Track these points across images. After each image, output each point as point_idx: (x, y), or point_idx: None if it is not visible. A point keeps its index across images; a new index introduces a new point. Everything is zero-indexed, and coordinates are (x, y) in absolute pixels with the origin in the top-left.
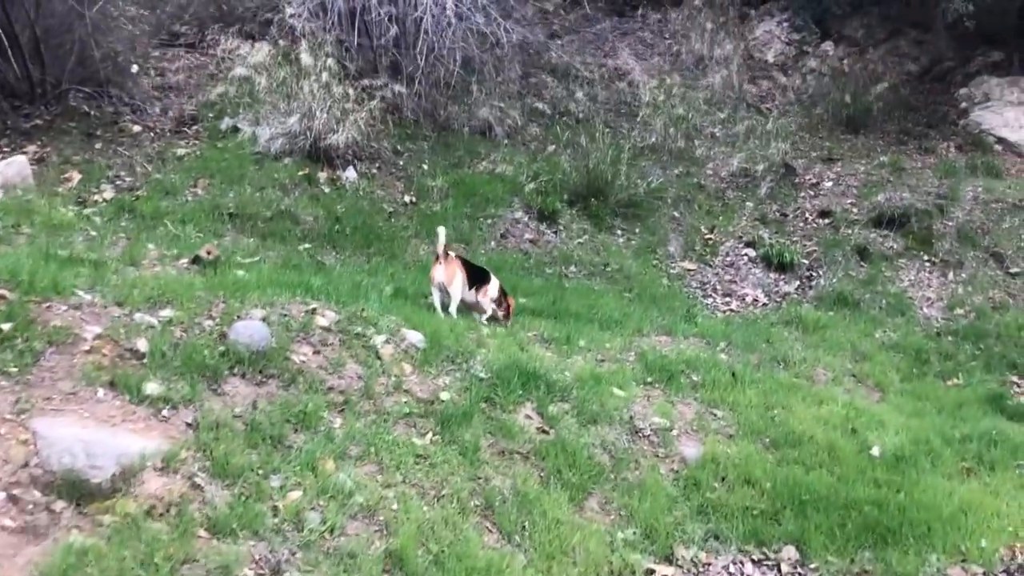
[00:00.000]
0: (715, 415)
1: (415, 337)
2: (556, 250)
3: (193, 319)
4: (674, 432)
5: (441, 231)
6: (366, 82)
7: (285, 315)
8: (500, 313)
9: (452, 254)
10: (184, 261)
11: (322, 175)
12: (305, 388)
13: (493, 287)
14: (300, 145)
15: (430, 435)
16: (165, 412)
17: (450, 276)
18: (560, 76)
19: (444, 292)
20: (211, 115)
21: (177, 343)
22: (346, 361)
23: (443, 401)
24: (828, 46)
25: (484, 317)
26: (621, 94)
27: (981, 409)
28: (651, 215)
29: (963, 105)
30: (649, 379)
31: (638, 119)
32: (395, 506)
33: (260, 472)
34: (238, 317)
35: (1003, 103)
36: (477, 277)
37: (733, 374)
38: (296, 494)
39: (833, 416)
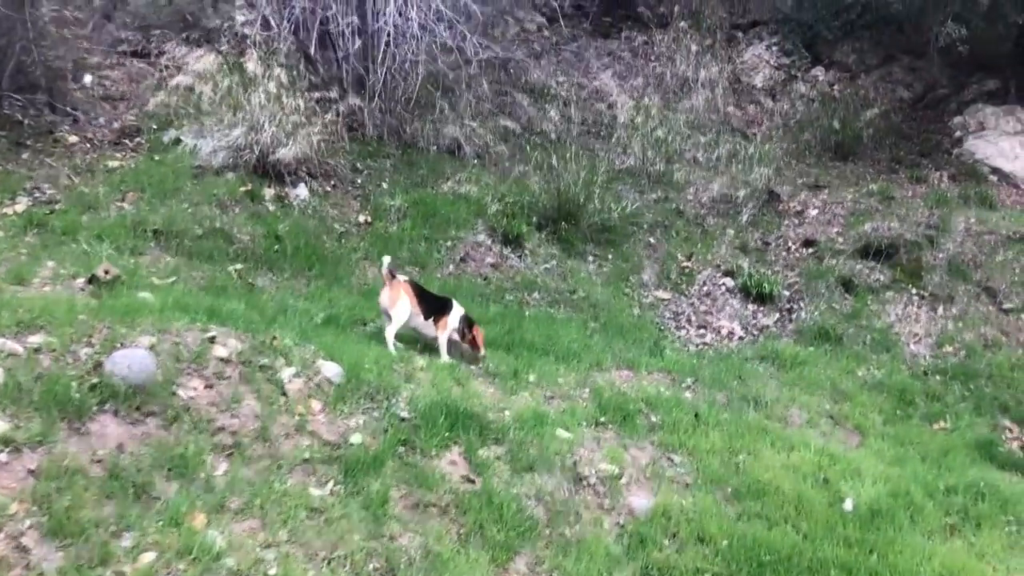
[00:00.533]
0: (672, 461)
1: (332, 370)
2: (519, 276)
3: (68, 346)
4: (623, 480)
5: (386, 259)
6: (321, 95)
7: (178, 343)
8: (464, 347)
9: (402, 278)
10: (80, 281)
11: (268, 192)
12: (189, 428)
13: (454, 317)
14: (245, 159)
15: (331, 484)
16: (3, 456)
17: (392, 299)
18: (536, 96)
19: (388, 317)
20: (155, 127)
21: (41, 374)
22: (243, 397)
23: (352, 445)
24: (818, 71)
25: (443, 353)
26: (599, 115)
27: (969, 456)
28: (625, 241)
29: (957, 134)
30: (602, 419)
31: (614, 140)
32: (273, 571)
33: (111, 529)
34: (120, 345)
35: (998, 132)
36: (435, 306)
37: (696, 415)
38: (149, 556)
39: (804, 463)
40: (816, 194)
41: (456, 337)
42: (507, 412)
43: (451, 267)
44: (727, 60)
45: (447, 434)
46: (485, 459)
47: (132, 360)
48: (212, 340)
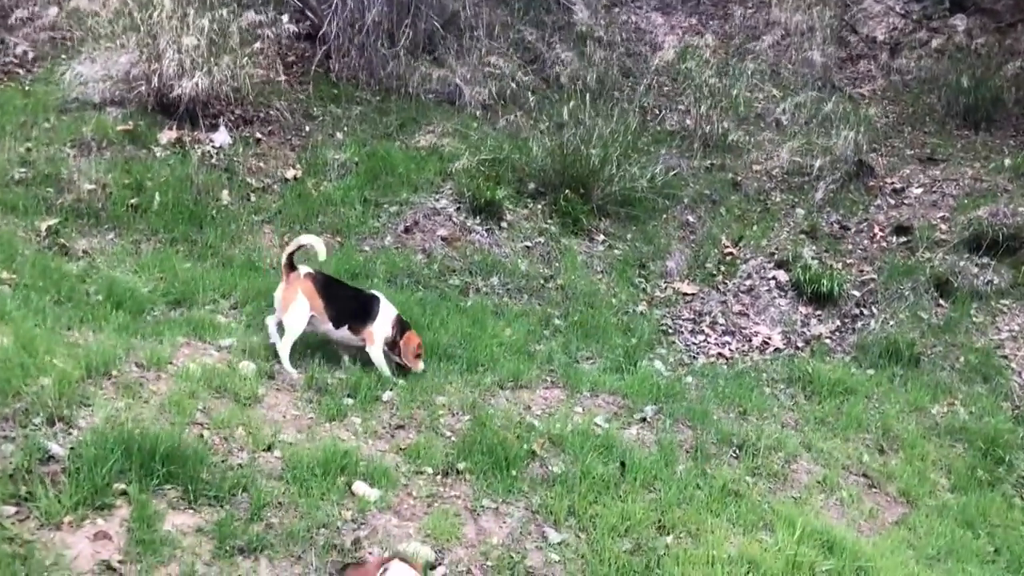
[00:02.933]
0: (546, 539)
1: None
2: (479, 254)
3: None
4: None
5: (304, 239)
6: (253, 17)
7: None
8: (395, 358)
9: (305, 270)
10: None
11: (167, 135)
12: None
13: (382, 323)
14: (138, 94)
15: None
16: None
17: (286, 301)
18: (561, 33)
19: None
20: (54, 53)
21: None
22: None
23: None
24: (958, 20)
25: (383, 371)
26: (642, 59)
27: None
28: (654, 218)
29: None
30: (462, 464)
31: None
32: None
33: None
34: None
35: None
36: (352, 308)
37: (623, 464)
38: None
39: (770, 558)
40: (926, 169)
41: (381, 347)
42: (275, 452)
43: (389, 238)
44: (839, 4)
45: (111, 486)
46: (167, 532)
47: None
48: None
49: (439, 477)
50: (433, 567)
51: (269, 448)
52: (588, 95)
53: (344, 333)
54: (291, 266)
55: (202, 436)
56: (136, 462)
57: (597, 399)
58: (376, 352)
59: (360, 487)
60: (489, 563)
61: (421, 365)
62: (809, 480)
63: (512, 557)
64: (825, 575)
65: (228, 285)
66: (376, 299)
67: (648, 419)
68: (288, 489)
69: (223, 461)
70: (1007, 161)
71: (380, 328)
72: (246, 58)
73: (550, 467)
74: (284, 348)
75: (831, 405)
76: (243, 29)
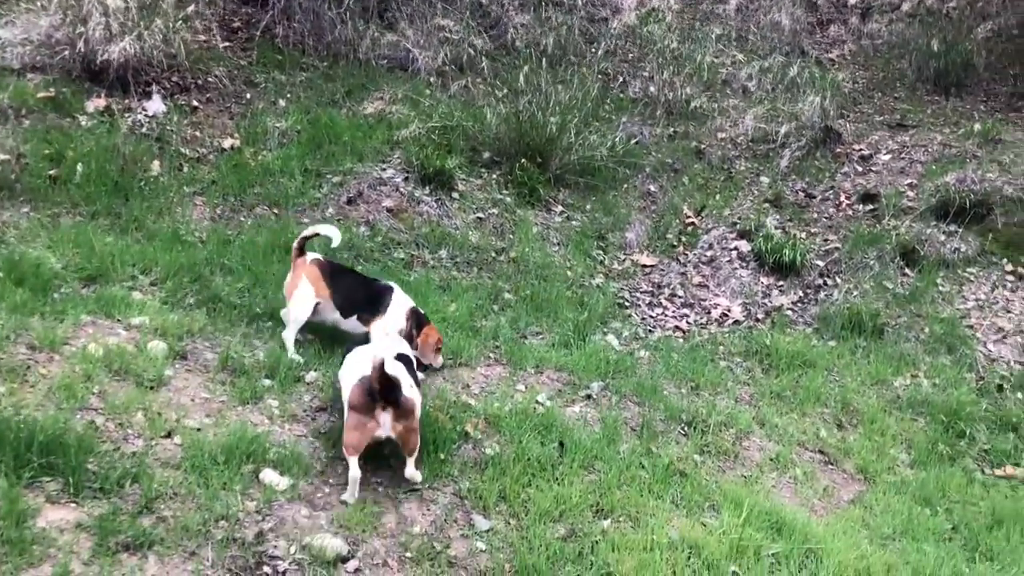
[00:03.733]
0: (472, 526)
1: None
2: (428, 226)
3: None
4: (351, 567)
5: (321, 227)
6: None
7: None
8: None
9: (312, 256)
10: None
11: (95, 103)
12: None
13: (394, 315)
14: (62, 59)
15: None
16: None
17: (291, 287)
18: (529, 1)
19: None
20: None
21: None
22: None
23: None
24: None
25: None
26: (604, 23)
27: None
28: (614, 188)
29: None
30: (386, 449)
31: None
32: None
33: None
34: None
35: None
36: (362, 296)
37: (561, 444)
38: None
39: (713, 542)
40: (895, 135)
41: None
42: (175, 439)
43: (331, 210)
44: None
45: None
46: (41, 530)
47: None
48: None
49: (361, 463)
50: (344, 560)
51: (169, 435)
52: (545, 60)
53: (353, 323)
54: (301, 251)
55: (93, 423)
56: (9, 453)
57: (542, 376)
58: (387, 339)
59: (269, 475)
60: (408, 554)
61: (440, 360)
62: (761, 457)
63: (434, 547)
64: (771, 559)
65: (149, 260)
66: (390, 289)
67: (594, 396)
68: (186, 479)
69: (115, 450)
70: (977, 126)
71: (391, 321)
72: (180, 22)
73: (483, 449)
74: (288, 336)
75: (789, 379)
76: None
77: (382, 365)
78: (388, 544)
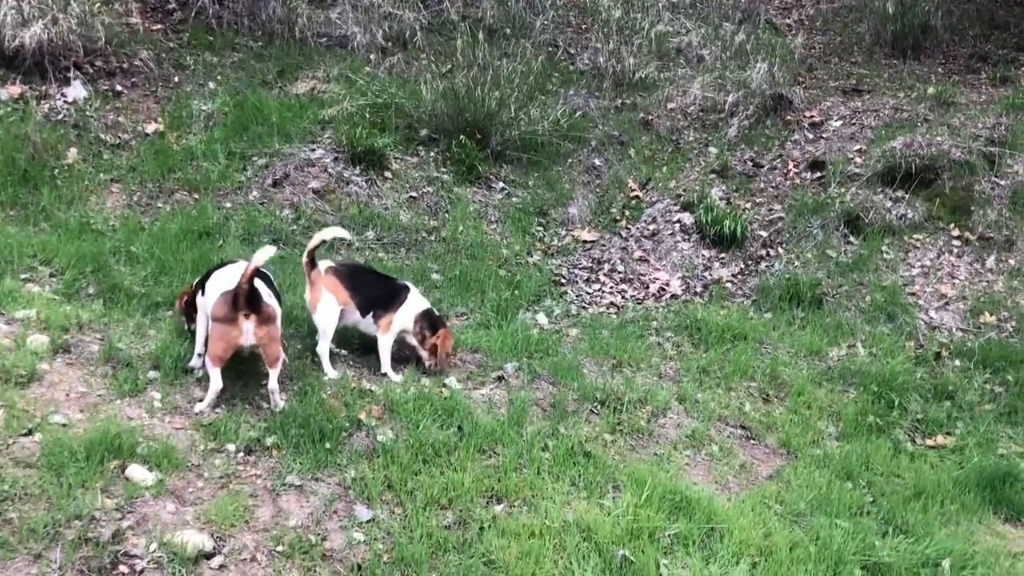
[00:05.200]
0: (351, 520)
1: None
2: (355, 207)
3: None
4: (215, 563)
5: (330, 231)
6: None
7: None
8: (423, 353)
9: (325, 264)
10: None
11: (7, 90)
12: None
13: (405, 313)
14: None
15: None
16: None
17: (313, 300)
18: None
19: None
20: None
21: None
22: None
23: None
24: None
25: (386, 365)
26: None
27: (972, 501)
28: (558, 162)
29: None
30: (270, 440)
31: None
32: None
33: None
34: None
35: None
36: (379, 295)
37: (460, 428)
38: None
39: (608, 523)
40: (849, 100)
41: (412, 340)
42: (35, 437)
43: (254, 193)
44: None
45: None
46: None
47: None
48: None
49: (241, 455)
50: (209, 556)
51: (30, 432)
52: (485, 33)
53: (369, 322)
54: (312, 263)
55: None
56: None
57: (454, 358)
58: (385, 343)
59: (135, 471)
60: (280, 548)
61: (446, 363)
62: (677, 435)
63: (309, 540)
64: (671, 540)
65: (51, 251)
66: (406, 289)
67: (506, 377)
68: (41, 478)
69: None
70: (930, 90)
71: (400, 319)
72: (100, 4)
73: (376, 437)
74: (322, 350)
75: (717, 353)
76: None
77: (252, 274)
78: (259, 538)
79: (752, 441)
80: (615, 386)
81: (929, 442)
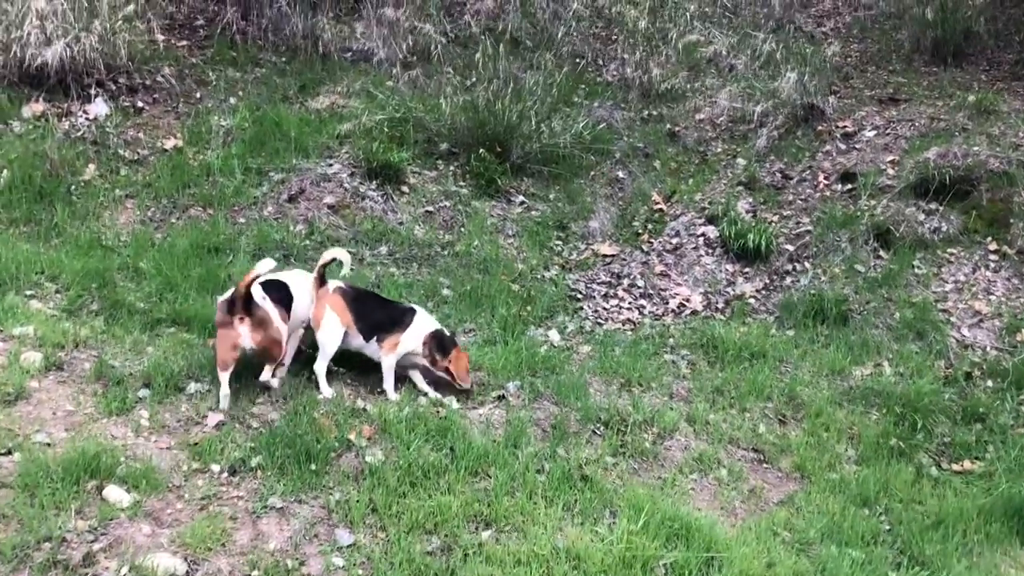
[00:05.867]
0: (332, 544)
1: None
2: (369, 222)
3: None
4: None
5: (335, 252)
6: None
7: None
8: (439, 373)
9: (334, 284)
10: None
11: (32, 108)
12: None
13: (412, 335)
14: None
15: None
16: None
17: (317, 318)
18: None
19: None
20: None
21: None
22: None
23: None
24: None
25: (388, 387)
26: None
27: (989, 529)
28: (581, 175)
29: None
30: (256, 460)
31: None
32: None
33: None
34: None
35: None
36: (384, 319)
37: (452, 449)
38: None
39: (604, 551)
40: (884, 110)
41: (422, 361)
42: (14, 456)
43: (269, 208)
44: None
45: None
46: None
47: None
48: None
49: (224, 475)
50: None
51: (9, 452)
52: (504, 45)
53: (374, 347)
54: (321, 281)
55: None
56: None
57: (474, 375)
58: (388, 363)
59: (113, 492)
60: (255, 573)
61: (468, 382)
62: (683, 458)
63: (287, 565)
64: (665, 569)
65: (58, 267)
66: (412, 311)
67: (507, 396)
68: (15, 499)
69: None
70: (971, 97)
71: (407, 340)
72: (121, 22)
73: (365, 457)
74: (320, 369)
75: (734, 372)
76: None
77: (251, 281)
78: (235, 562)
79: (764, 465)
80: (621, 406)
81: (956, 467)
